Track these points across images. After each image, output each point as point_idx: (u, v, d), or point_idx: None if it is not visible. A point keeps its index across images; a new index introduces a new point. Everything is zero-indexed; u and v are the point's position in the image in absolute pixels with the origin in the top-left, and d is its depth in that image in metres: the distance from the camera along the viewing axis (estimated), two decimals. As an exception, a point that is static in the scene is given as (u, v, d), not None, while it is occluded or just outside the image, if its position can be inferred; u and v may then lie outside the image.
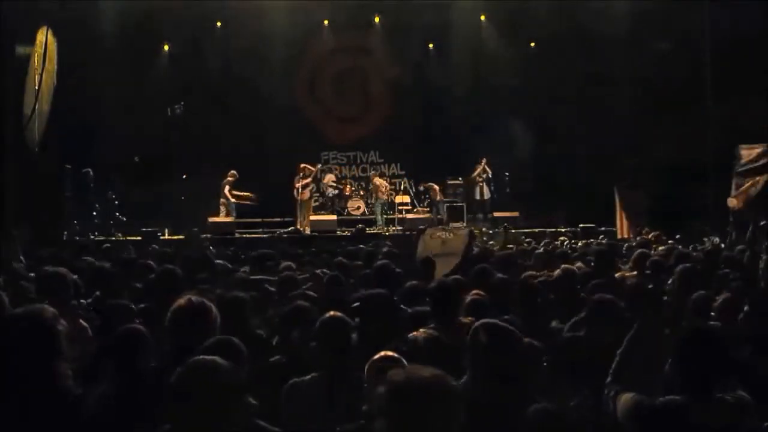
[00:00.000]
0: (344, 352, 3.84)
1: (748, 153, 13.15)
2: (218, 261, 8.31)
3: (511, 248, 11.05)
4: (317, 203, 18.92)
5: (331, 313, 4.03)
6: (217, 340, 3.41)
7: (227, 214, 17.53)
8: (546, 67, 18.64)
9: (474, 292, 5.13)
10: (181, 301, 3.71)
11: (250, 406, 3.20)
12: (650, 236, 12.00)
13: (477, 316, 4.71)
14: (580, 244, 12.28)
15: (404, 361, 3.32)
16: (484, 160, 18.08)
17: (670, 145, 15.94)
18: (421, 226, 13.25)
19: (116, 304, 5.01)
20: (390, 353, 3.41)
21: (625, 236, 14.80)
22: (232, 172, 17.56)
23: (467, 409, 2.06)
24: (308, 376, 3.82)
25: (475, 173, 18.15)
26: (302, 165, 17.79)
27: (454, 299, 4.91)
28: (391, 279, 5.89)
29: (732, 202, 12.62)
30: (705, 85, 16.02)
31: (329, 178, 19.22)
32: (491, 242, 13.08)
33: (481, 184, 18.11)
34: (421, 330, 4.58)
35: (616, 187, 16.08)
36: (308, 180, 17.67)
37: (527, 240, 13.22)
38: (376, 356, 3.41)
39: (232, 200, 17.52)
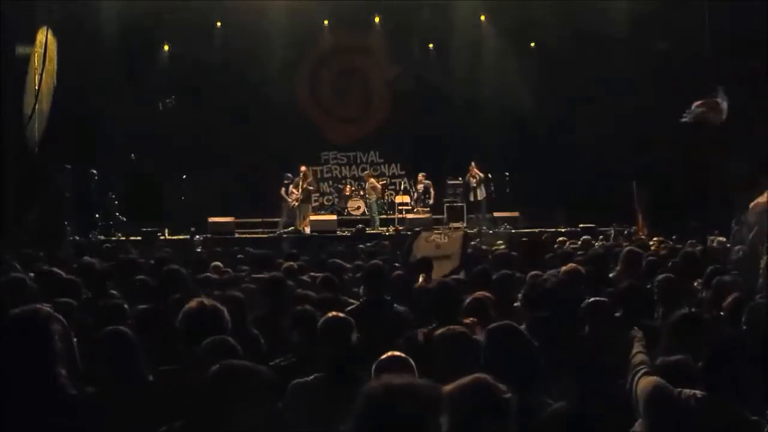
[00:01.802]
0: (346, 352, 3.86)
1: None
2: (216, 263, 8.33)
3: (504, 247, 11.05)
4: (317, 203, 18.93)
5: (333, 313, 4.05)
6: (213, 340, 3.41)
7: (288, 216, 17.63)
8: (546, 66, 18.63)
9: (480, 293, 5.13)
10: (193, 304, 3.70)
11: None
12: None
13: (479, 317, 4.74)
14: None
15: (411, 361, 3.31)
16: (472, 164, 18.08)
17: (670, 145, 15.95)
18: (417, 228, 13.23)
19: (110, 304, 5.00)
20: (397, 353, 3.40)
21: (642, 235, 14.66)
22: (288, 174, 17.61)
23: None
24: (311, 377, 3.83)
25: (468, 178, 18.17)
26: (302, 168, 17.77)
27: (455, 299, 4.92)
28: (382, 279, 5.87)
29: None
30: (705, 86, 15.98)
31: (371, 181, 18.87)
32: (499, 241, 13.05)
33: (474, 186, 18.10)
34: (422, 330, 4.58)
35: (635, 184, 15.94)
36: (296, 190, 17.58)
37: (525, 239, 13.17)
38: (383, 356, 3.40)
39: (293, 201, 17.49)
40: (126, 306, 4.78)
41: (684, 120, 12.98)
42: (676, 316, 4.14)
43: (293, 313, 4.50)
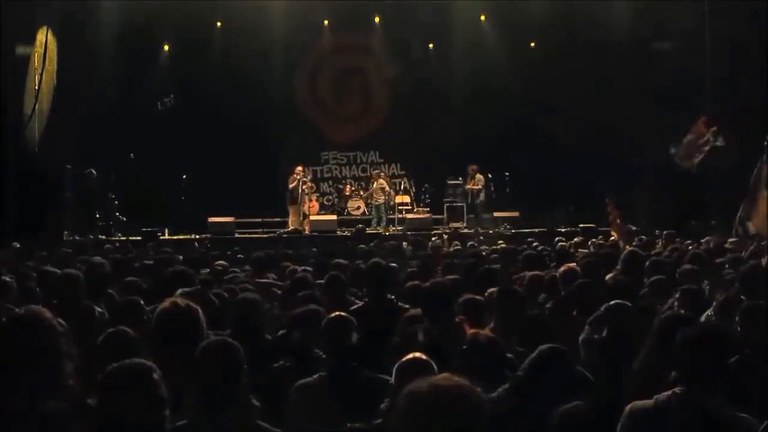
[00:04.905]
0: (348, 351, 3.87)
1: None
2: (219, 262, 8.34)
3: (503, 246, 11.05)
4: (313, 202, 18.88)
5: (336, 313, 4.07)
6: (214, 341, 3.41)
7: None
8: (546, 66, 18.62)
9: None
10: (167, 304, 3.70)
11: (254, 407, 3.20)
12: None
13: (473, 316, 4.75)
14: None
15: (433, 363, 3.32)
16: (475, 167, 17.99)
17: (670, 146, 15.96)
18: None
19: (126, 301, 4.98)
20: (418, 355, 3.40)
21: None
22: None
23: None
24: (314, 377, 3.85)
25: (468, 181, 18.11)
26: (300, 169, 17.75)
27: (451, 299, 4.92)
28: (384, 278, 5.85)
29: (756, 224, 12.32)
30: (705, 85, 16.01)
31: (380, 182, 18.67)
32: (500, 241, 13.05)
33: (477, 188, 18.03)
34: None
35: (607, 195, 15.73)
36: (293, 184, 17.57)
37: (529, 239, 13.16)
38: (405, 358, 3.40)
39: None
40: (142, 302, 4.76)
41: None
42: (661, 319, 4.11)
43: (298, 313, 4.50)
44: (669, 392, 3.14)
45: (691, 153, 15.28)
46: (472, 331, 4.04)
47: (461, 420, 1.81)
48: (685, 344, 3.21)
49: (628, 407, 3.19)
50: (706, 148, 14.93)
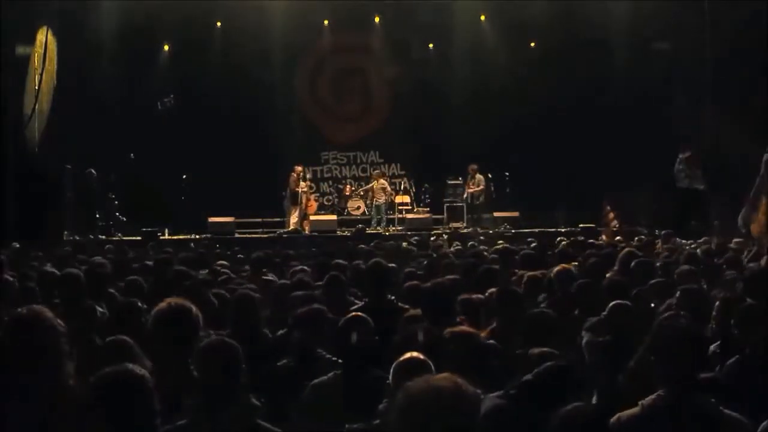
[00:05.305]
0: (363, 351, 3.88)
1: None
2: (220, 262, 8.35)
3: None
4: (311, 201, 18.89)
5: (353, 313, 4.09)
6: (213, 341, 3.41)
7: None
8: (546, 66, 18.62)
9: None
10: (163, 305, 3.72)
11: (254, 407, 3.21)
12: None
13: (473, 316, 4.75)
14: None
15: (430, 363, 3.32)
16: (475, 167, 17.95)
17: (670, 146, 15.95)
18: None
19: (124, 302, 4.99)
20: (416, 354, 3.40)
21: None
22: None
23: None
24: (328, 375, 3.86)
25: (469, 185, 18.07)
26: (299, 168, 17.75)
27: (451, 299, 4.93)
28: (385, 278, 5.84)
29: (754, 229, 12.29)
30: (706, 86, 16.01)
31: (381, 182, 18.48)
32: (500, 241, 13.03)
33: (478, 189, 17.98)
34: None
35: (606, 196, 15.72)
36: (297, 188, 17.56)
37: (529, 239, 13.16)
38: (402, 358, 3.40)
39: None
40: (140, 304, 4.77)
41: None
42: (656, 325, 4.10)
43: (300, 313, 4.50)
44: (654, 395, 3.15)
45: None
46: (447, 330, 4.05)
47: (459, 419, 1.82)
48: (660, 346, 3.23)
49: (614, 419, 3.17)
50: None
